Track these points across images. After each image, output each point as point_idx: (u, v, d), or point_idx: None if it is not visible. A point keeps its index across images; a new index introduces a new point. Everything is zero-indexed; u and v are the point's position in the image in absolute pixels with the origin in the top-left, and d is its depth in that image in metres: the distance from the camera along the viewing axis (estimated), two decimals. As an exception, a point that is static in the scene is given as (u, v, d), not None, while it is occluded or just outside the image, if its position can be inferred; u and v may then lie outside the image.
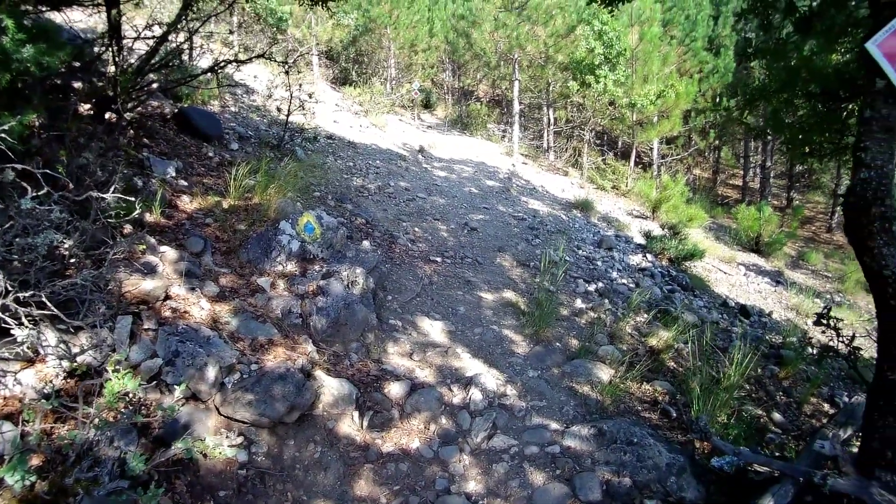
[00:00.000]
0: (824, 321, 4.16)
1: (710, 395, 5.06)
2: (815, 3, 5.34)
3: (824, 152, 6.98)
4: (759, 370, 6.95)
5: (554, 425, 4.56)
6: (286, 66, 8.97)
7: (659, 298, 8.40)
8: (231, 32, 16.36)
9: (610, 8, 5.74)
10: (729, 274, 12.87)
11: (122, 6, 5.80)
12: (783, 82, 6.97)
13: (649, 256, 10.80)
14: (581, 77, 17.24)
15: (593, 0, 5.74)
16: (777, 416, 5.96)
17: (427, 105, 26.45)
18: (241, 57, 7.98)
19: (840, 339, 4.30)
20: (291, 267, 5.13)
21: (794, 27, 5.71)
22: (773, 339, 8.63)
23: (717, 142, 27.54)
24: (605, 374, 5.44)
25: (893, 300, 3.08)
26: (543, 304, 6.30)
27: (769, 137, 21.16)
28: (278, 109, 10.08)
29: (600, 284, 8.03)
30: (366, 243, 6.36)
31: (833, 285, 14.99)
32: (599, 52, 16.39)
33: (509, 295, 6.76)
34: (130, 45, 6.17)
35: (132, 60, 6.14)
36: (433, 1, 24.19)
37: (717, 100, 22.21)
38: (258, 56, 7.83)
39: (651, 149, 22.25)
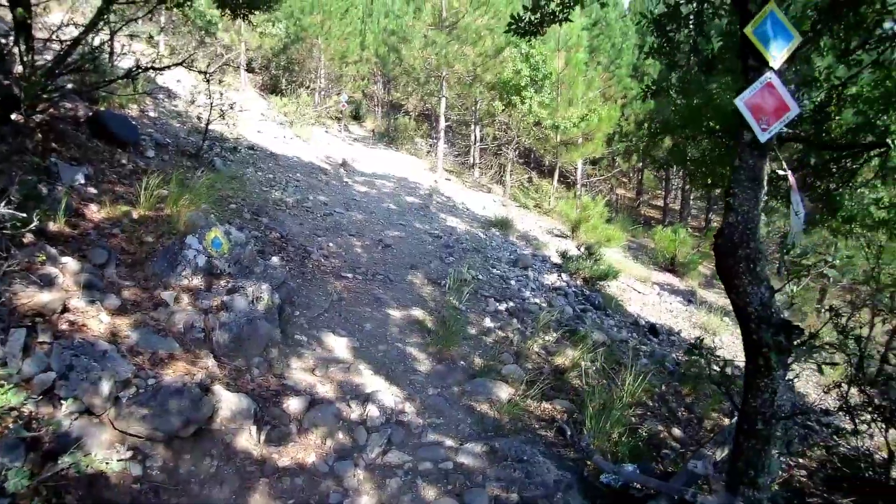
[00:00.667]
0: (696, 351, 4.50)
1: (604, 412, 5.33)
2: (716, 48, 5.82)
3: (724, 184, 7.49)
4: (664, 387, 7.36)
5: (449, 442, 4.76)
6: (207, 76, 8.95)
7: (570, 317, 8.76)
8: (161, 31, 16.03)
9: (527, 38, 6.02)
10: (643, 293, 13.46)
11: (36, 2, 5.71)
12: (687, 119, 7.46)
13: (564, 276, 11.21)
14: (507, 97, 17.73)
15: (509, 30, 6.01)
16: (677, 431, 6.32)
17: (357, 117, 26.50)
18: (165, 62, 7.89)
19: (712, 366, 4.64)
20: (197, 281, 5.18)
21: (698, 68, 6.16)
22: (679, 357, 9.13)
23: (639, 164, 28.70)
24: (505, 392, 5.68)
25: (755, 335, 3.39)
26: (450, 323, 6.53)
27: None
28: (198, 118, 10.01)
29: (511, 304, 8.32)
30: (275, 259, 6.43)
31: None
32: (526, 74, 16.91)
33: (417, 313, 6.96)
34: (44, 43, 6.06)
35: (46, 58, 6.02)
36: (367, 14, 24.36)
37: (641, 125, 23.26)
38: (177, 64, 7.78)
39: (576, 168, 23.02)
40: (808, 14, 6.79)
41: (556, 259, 12.34)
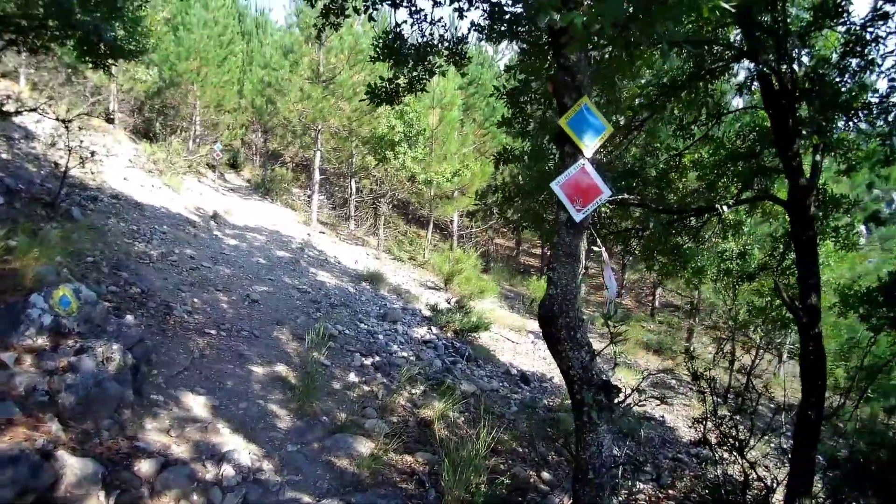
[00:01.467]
0: (529, 409, 4.85)
1: (465, 462, 5.48)
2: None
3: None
4: (534, 432, 7.71)
5: (306, 499, 4.79)
6: (66, 123, 8.68)
7: (439, 370, 8.97)
8: (22, 64, 15.22)
9: (381, 104, 6.34)
10: (517, 342, 13.91)
11: None
12: (537, 184, 8.00)
13: (434, 329, 11.48)
14: (381, 152, 18.14)
15: (367, 99, 6.31)
16: (546, 474, 6.62)
17: (234, 165, 26.07)
18: (24, 98, 7.58)
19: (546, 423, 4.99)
20: (42, 341, 4.98)
21: (549, 138, 6.67)
22: (551, 403, 9.55)
23: (516, 215, 29.74)
24: (366, 447, 5.76)
25: (578, 395, 3.71)
26: (314, 378, 6.59)
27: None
28: (55, 164, 9.59)
29: (377, 358, 8.46)
30: (129, 317, 6.27)
31: (616, 347, 16.64)
32: (400, 130, 17.41)
33: (281, 369, 6.97)
34: None
35: None
36: (247, 62, 24.21)
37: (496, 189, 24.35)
38: (31, 109, 7.52)
39: (451, 221, 23.65)
40: (644, 98, 7.63)
41: (427, 312, 12.62)
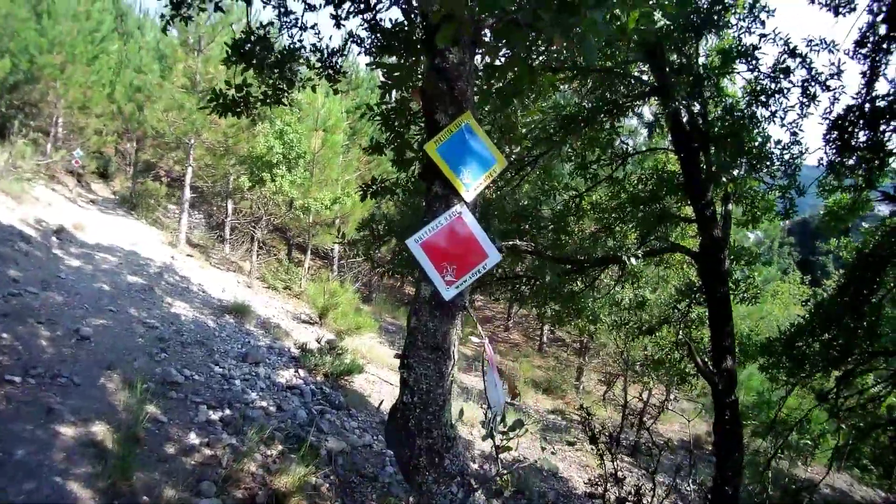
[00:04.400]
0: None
1: None
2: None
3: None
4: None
5: None
6: None
7: (303, 422, 7.91)
8: None
9: (225, 114, 5.43)
10: (396, 385, 12.91)
11: None
12: (413, 222, 7.24)
13: (302, 372, 10.32)
14: (258, 173, 16.90)
15: (209, 107, 5.39)
16: None
17: (104, 175, 23.90)
18: None
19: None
20: None
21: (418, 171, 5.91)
22: None
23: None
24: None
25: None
26: (140, 442, 5.40)
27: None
28: None
29: (228, 411, 7.25)
30: None
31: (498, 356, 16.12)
32: (279, 151, 16.27)
33: (99, 429, 5.66)
34: None
35: None
36: (125, 64, 22.19)
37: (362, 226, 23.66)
38: None
39: (333, 248, 22.47)
40: (541, 131, 7.07)
41: (296, 352, 11.45)
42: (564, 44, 2.59)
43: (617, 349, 14.74)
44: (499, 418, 2.69)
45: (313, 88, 6.08)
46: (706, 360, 6.09)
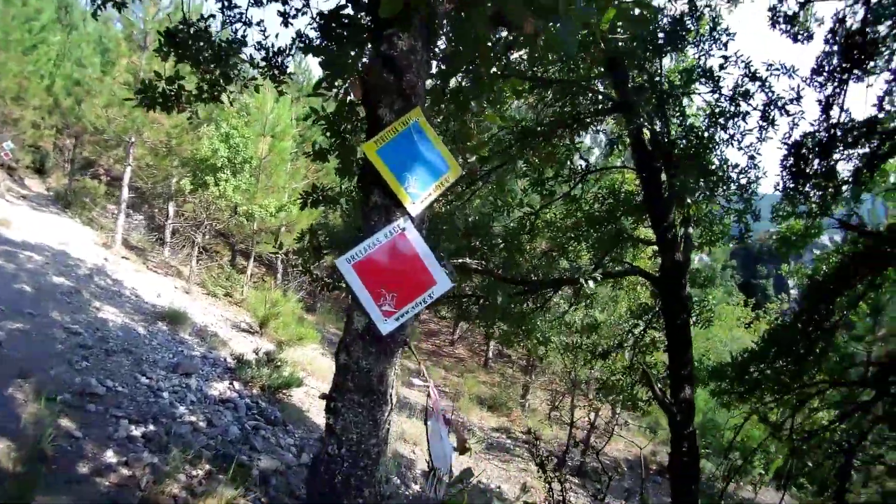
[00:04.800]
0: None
1: None
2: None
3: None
4: None
5: None
6: None
7: (235, 439, 7.43)
8: None
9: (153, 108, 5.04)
10: (336, 399, 12.44)
11: None
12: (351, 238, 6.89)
13: (237, 384, 9.78)
14: (201, 177, 16.28)
15: (137, 100, 5.01)
16: None
17: (40, 171, 22.82)
18: None
19: None
20: None
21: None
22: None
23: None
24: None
25: None
26: (48, 461, 4.88)
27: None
28: None
29: (152, 427, 6.70)
30: None
31: (450, 402, 15.78)
32: (224, 154, 15.70)
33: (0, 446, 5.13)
34: None
35: None
36: (63, 57, 21.19)
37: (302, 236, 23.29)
38: None
39: (277, 255, 21.93)
40: (495, 144, 6.81)
41: (232, 363, 10.88)
42: (534, 32, 2.28)
43: (565, 368, 14.57)
44: (445, 478, 2.29)
45: (256, 88, 5.76)
46: (663, 388, 5.88)
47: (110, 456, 5.76)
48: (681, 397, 5.07)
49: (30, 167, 23.02)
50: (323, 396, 2.37)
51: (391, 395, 2.33)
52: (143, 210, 23.56)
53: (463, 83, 3.64)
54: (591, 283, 5.60)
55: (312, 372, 12.69)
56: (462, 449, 2.55)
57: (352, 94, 2.60)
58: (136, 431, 6.45)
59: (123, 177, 17.27)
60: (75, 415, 6.07)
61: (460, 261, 4.92)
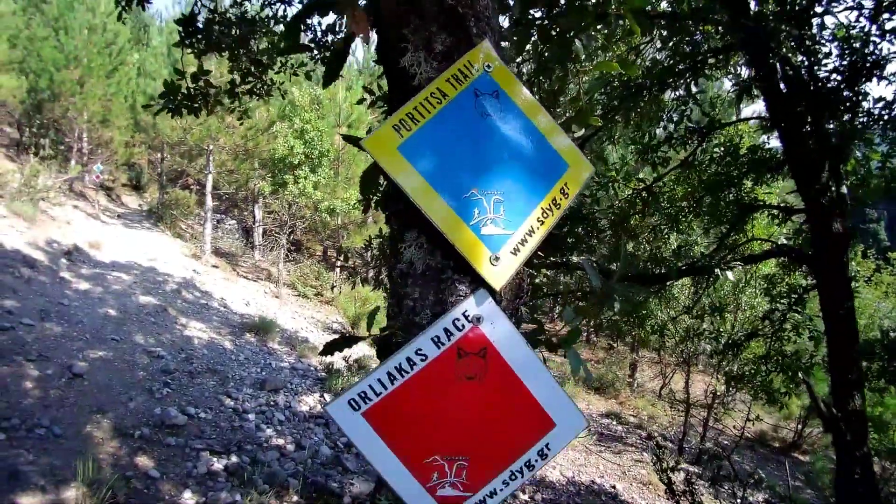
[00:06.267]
0: None
1: None
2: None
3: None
4: None
5: None
6: None
7: (327, 460, 7.03)
8: None
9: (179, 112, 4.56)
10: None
11: None
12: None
13: (328, 396, 9.29)
14: (280, 176, 16.12)
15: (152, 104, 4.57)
16: None
17: (137, 187, 23.57)
18: None
19: None
20: None
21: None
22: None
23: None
24: None
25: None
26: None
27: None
28: None
29: (235, 459, 6.29)
30: None
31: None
32: (300, 151, 15.45)
33: (72, 494, 4.79)
34: None
35: None
36: (141, 74, 21.61)
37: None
38: None
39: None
40: (593, 103, 5.78)
41: (323, 372, 10.49)
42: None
43: (677, 345, 13.31)
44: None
45: (308, 75, 5.24)
46: (826, 399, 4.80)
47: (187, 497, 5.40)
48: (849, 409, 3.93)
49: (126, 185, 23.71)
50: None
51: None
52: (234, 214, 23.88)
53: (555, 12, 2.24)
54: (728, 273, 4.67)
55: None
56: None
57: (353, 29, 1.43)
58: (218, 465, 6.08)
59: (207, 184, 17.36)
60: (153, 450, 5.77)
61: (574, 260, 4.12)
